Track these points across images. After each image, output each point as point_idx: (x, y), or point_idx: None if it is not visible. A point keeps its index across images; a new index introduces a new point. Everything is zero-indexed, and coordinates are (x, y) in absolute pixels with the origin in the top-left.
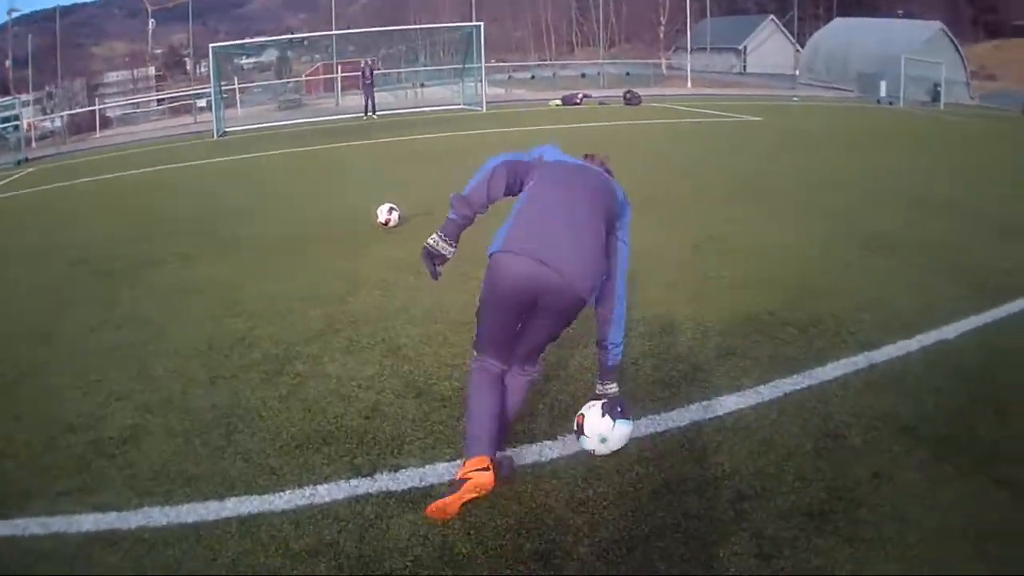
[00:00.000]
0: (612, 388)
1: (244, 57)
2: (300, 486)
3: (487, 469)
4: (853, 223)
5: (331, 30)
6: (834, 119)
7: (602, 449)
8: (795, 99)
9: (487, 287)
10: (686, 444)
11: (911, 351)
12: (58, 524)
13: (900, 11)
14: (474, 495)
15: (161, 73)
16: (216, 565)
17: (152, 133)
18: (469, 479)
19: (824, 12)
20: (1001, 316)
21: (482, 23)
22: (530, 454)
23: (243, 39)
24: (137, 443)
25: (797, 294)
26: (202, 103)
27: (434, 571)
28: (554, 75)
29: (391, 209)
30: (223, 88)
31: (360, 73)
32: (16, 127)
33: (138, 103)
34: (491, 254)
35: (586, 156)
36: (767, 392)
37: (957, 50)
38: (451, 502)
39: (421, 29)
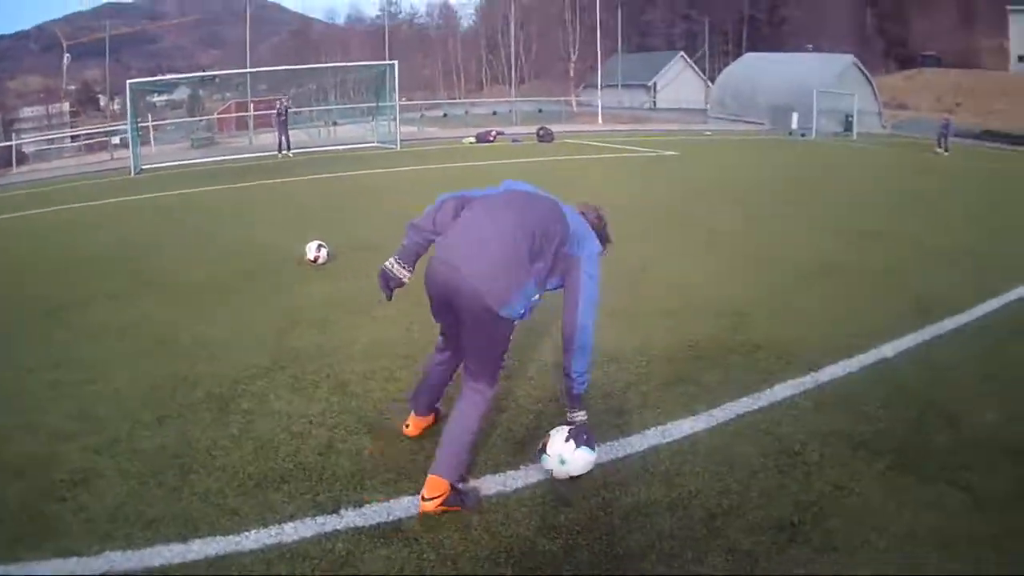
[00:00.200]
0: (580, 415)
1: (156, 95)
2: (265, 525)
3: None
4: (785, 251)
5: (243, 68)
6: (748, 152)
7: (561, 471)
8: (708, 132)
9: (425, 290)
10: (648, 468)
11: (852, 371)
12: (15, 571)
13: (810, 45)
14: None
15: (75, 109)
16: None
17: (69, 170)
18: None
19: (733, 48)
20: (937, 334)
21: (396, 61)
22: (494, 484)
23: (155, 76)
24: (88, 486)
25: (737, 320)
26: (116, 140)
27: None
28: (466, 113)
29: (320, 246)
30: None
31: (275, 111)
32: None
33: (52, 139)
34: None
35: (581, 205)
36: (720, 415)
37: (869, 82)
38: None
39: (335, 67)
